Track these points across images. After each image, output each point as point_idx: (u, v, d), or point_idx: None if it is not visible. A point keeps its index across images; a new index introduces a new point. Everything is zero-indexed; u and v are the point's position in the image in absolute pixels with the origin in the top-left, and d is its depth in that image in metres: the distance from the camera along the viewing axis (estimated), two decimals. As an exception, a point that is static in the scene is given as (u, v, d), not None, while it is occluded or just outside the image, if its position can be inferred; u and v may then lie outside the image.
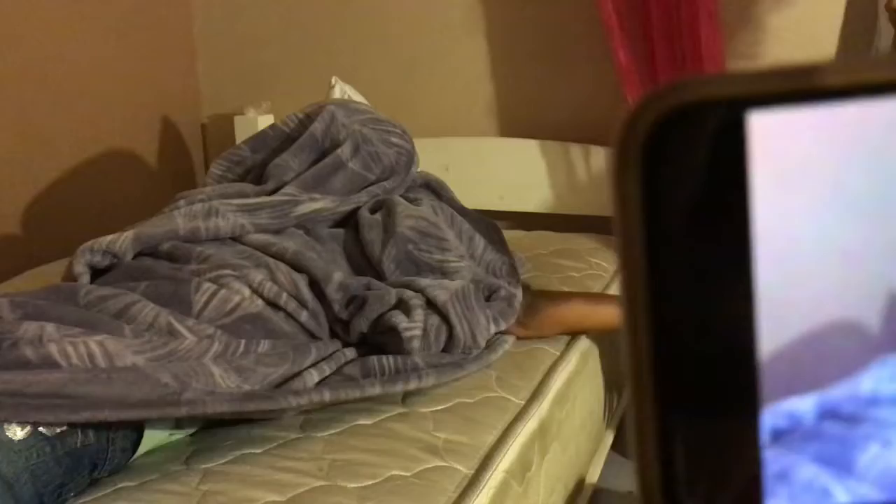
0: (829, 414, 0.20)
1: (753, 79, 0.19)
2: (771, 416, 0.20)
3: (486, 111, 2.29)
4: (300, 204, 1.40)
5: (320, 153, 1.51)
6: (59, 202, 2.15)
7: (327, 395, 1.10)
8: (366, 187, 1.50)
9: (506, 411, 1.21)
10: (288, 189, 1.42)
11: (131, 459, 1.06)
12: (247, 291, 1.23)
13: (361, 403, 1.18)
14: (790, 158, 0.19)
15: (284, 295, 1.25)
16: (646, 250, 0.19)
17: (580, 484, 1.50)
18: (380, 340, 1.28)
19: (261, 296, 1.24)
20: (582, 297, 1.53)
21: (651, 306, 0.20)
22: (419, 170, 1.64)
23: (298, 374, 1.17)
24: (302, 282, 1.27)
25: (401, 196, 1.50)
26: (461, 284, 1.33)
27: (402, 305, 1.26)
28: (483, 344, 1.33)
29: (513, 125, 2.28)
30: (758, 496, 0.20)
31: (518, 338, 1.41)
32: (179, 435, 1.12)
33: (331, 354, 1.26)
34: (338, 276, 1.29)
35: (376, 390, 1.15)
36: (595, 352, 1.57)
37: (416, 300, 1.27)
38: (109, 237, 1.29)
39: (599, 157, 2.13)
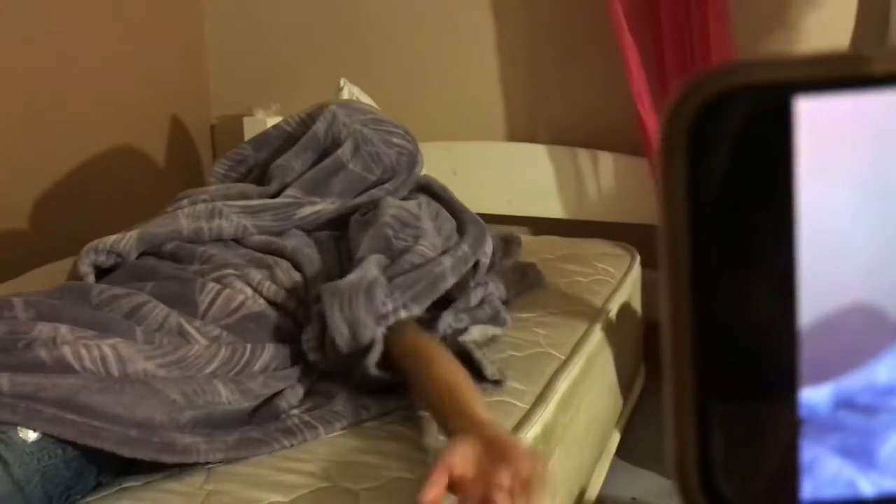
0: (844, 404, 0.20)
1: (801, 64, 0.19)
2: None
3: (495, 115, 2.30)
4: (302, 207, 1.41)
5: (322, 153, 1.51)
6: (68, 200, 2.16)
7: (322, 431, 1.10)
8: (367, 189, 1.50)
9: (510, 415, 1.21)
10: (290, 191, 1.43)
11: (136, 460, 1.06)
12: (248, 290, 1.24)
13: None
14: (834, 143, 0.19)
15: (283, 293, 1.25)
16: (689, 231, 0.20)
17: (584, 489, 1.50)
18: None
19: (261, 294, 1.24)
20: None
21: (693, 287, 0.20)
22: (424, 173, 1.64)
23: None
24: (301, 280, 1.28)
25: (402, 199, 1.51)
26: (358, 278, 1.20)
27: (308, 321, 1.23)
28: (367, 340, 1.15)
29: (521, 130, 2.28)
30: (794, 480, 0.20)
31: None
32: None
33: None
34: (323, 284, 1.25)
35: (372, 413, 1.13)
36: (600, 357, 1.57)
37: (315, 307, 1.21)
38: (114, 237, 1.29)
39: (607, 163, 2.13)
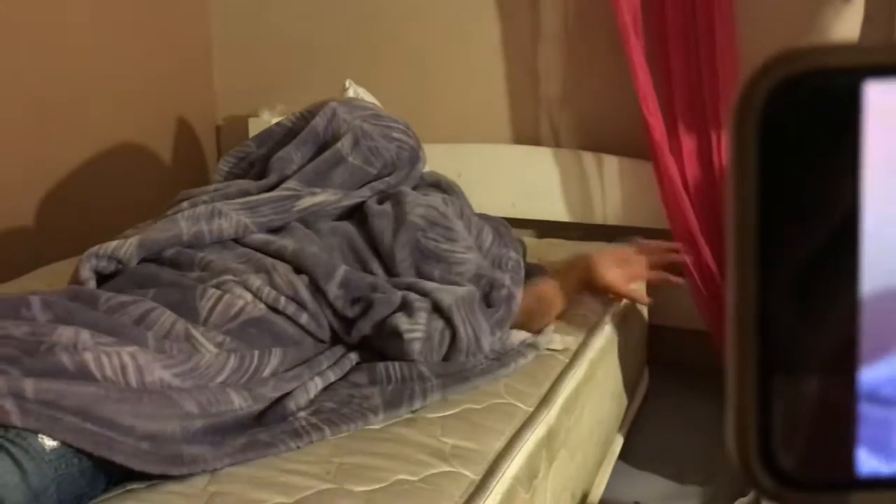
0: (868, 397, 0.21)
1: (872, 50, 0.20)
2: None
3: (500, 118, 2.30)
4: (301, 198, 1.41)
5: (321, 146, 1.51)
6: (73, 201, 2.16)
7: (328, 433, 1.10)
8: (368, 182, 1.50)
9: (514, 417, 1.21)
10: (289, 183, 1.43)
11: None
12: (248, 296, 1.24)
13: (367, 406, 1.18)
14: None
15: (283, 299, 1.25)
16: (758, 208, 0.20)
17: (587, 492, 1.50)
18: (382, 344, 1.27)
19: (261, 300, 1.25)
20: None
21: (760, 265, 0.21)
22: (431, 171, 1.64)
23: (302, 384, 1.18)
24: (300, 283, 1.27)
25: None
26: (467, 290, 1.33)
27: (406, 308, 1.27)
28: (487, 349, 1.32)
29: (526, 132, 2.28)
30: (851, 453, 0.21)
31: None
32: None
33: (337, 359, 1.26)
34: (341, 270, 1.29)
35: (379, 418, 1.15)
36: (604, 361, 1.57)
37: (419, 303, 1.27)
38: (115, 243, 1.29)
39: (612, 166, 2.13)
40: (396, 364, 1.25)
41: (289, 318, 1.25)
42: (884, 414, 0.21)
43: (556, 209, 2.19)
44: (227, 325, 1.20)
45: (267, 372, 1.17)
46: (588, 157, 2.15)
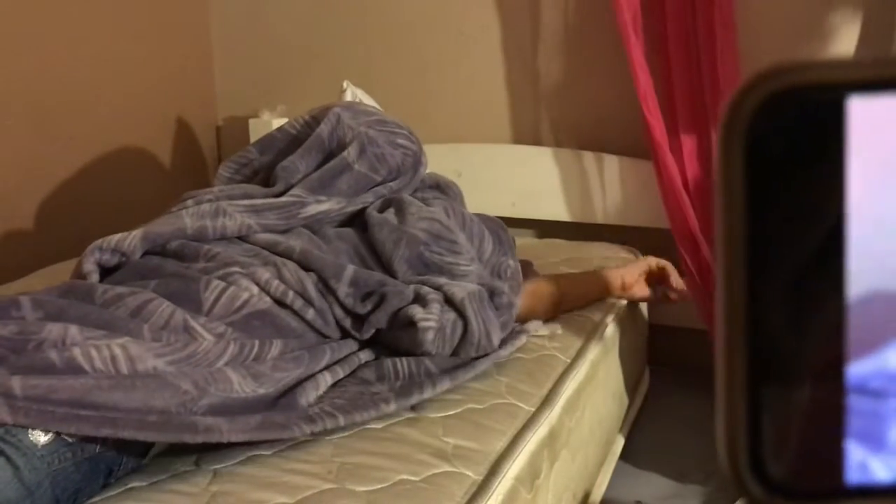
0: (857, 389, 0.21)
1: (855, 66, 0.21)
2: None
3: (499, 117, 2.30)
4: (307, 205, 1.41)
5: (327, 155, 1.51)
6: (74, 201, 2.16)
7: (342, 420, 1.11)
8: (372, 188, 1.50)
9: (516, 418, 1.21)
10: (295, 191, 1.43)
11: (143, 461, 1.06)
12: (255, 289, 1.24)
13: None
14: (884, 142, 0.21)
15: (291, 293, 1.25)
16: (746, 225, 0.21)
17: (588, 492, 1.50)
18: (394, 336, 1.29)
19: (268, 293, 1.25)
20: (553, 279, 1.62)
21: (748, 274, 0.21)
22: (430, 171, 1.64)
23: (311, 376, 1.18)
24: (308, 280, 1.28)
25: (410, 196, 1.51)
26: (477, 287, 1.34)
27: (420, 300, 1.28)
28: (497, 343, 1.34)
29: (526, 132, 2.28)
30: (839, 461, 0.21)
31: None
32: None
33: (345, 357, 1.26)
34: (350, 270, 1.30)
35: (391, 407, 1.16)
36: (605, 361, 1.57)
37: (433, 295, 1.28)
38: (118, 236, 1.29)
39: (613, 166, 2.13)
40: (404, 360, 1.25)
41: (295, 312, 1.25)
42: (873, 406, 0.21)
43: (556, 209, 2.19)
44: (230, 317, 1.20)
45: (268, 360, 1.17)
46: (588, 157, 2.15)
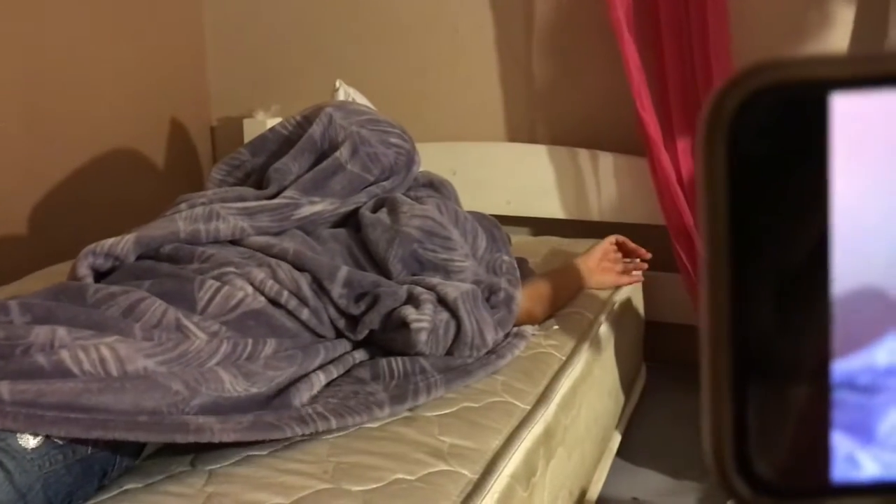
0: (844, 385, 0.21)
1: (838, 62, 0.21)
2: None
3: (494, 116, 2.30)
4: (300, 207, 1.40)
5: (319, 155, 1.51)
6: (68, 203, 2.16)
7: (334, 423, 1.10)
8: (365, 188, 1.50)
9: (511, 416, 1.21)
10: (288, 193, 1.43)
11: (137, 461, 1.06)
12: (249, 288, 1.23)
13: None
14: (867, 138, 0.21)
15: (285, 293, 1.25)
16: (729, 223, 0.21)
17: (585, 489, 1.50)
18: (388, 337, 1.28)
19: (262, 293, 1.24)
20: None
21: (732, 273, 0.21)
22: (423, 170, 1.64)
23: (305, 376, 1.18)
24: (303, 280, 1.28)
25: (403, 195, 1.51)
26: (471, 287, 1.34)
27: (413, 300, 1.27)
28: (490, 343, 1.34)
29: (521, 130, 2.28)
30: (825, 459, 0.21)
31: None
32: None
33: (340, 356, 1.26)
34: (343, 271, 1.30)
35: (384, 412, 1.15)
36: (601, 358, 1.57)
37: (426, 295, 1.28)
38: (111, 240, 1.29)
39: (607, 163, 2.13)
40: (398, 359, 1.25)
41: (289, 312, 1.25)
42: (861, 400, 0.21)
43: (551, 206, 2.19)
44: (224, 317, 1.19)
45: (260, 360, 1.17)
46: (583, 154, 2.15)
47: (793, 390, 0.21)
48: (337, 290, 1.28)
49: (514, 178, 2.21)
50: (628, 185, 2.10)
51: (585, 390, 1.45)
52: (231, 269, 1.25)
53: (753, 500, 0.21)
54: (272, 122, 2.27)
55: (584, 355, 1.47)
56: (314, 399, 1.16)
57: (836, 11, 1.88)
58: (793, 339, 0.21)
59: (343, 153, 1.47)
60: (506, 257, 1.51)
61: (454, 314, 1.29)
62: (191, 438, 0.99)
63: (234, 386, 1.08)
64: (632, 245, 1.71)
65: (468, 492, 1.02)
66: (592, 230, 2.12)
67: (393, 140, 1.55)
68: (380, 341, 1.30)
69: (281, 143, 1.55)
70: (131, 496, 0.98)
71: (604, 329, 1.60)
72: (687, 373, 1.90)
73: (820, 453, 0.21)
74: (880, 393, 0.21)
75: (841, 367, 0.21)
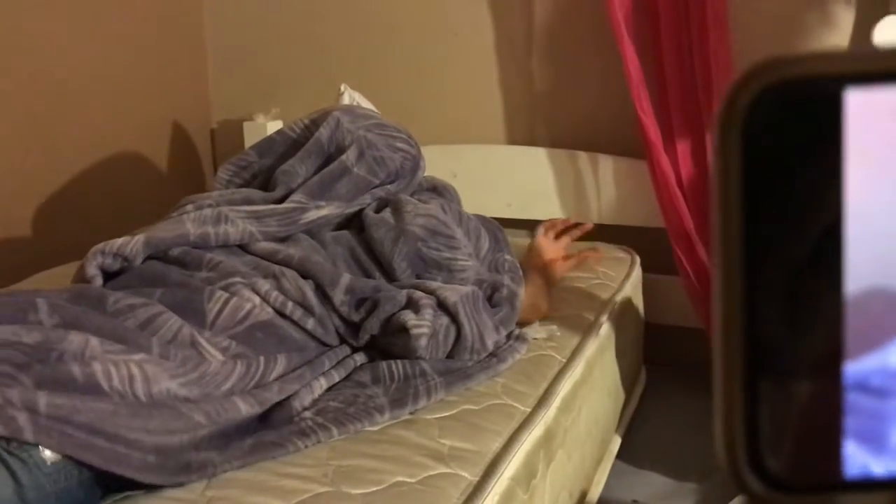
0: (857, 387, 0.21)
1: (852, 58, 0.21)
2: None
3: (494, 118, 2.30)
4: (307, 211, 1.41)
5: (326, 158, 1.51)
6: (68, 206, 2.16)
7: (335, 432, 1.11)
8: (370, 190, 1.51)
9: (511, 418, 1.21)
10: (295, 196, 1.43)
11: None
12: (257, 299, 1.24)
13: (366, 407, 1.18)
14: (881, 135, 0.21)
15: (290, 304, 1.25)
16: (743, 220, 0.21)
17: (585, 492, 1.50)
18: (388, 341, 1.29)
19: (268, 304, 1.25)
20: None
21: (745, 270, 0.21)
22: (427, 175, 1.65)
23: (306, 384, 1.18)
24: (308, 288, 1.28)
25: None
26: (471, 289, 1.34)
27: (412, 305, 1.28)
28: (491, 346, 1.34)
29: (521, 133, 2.28)
30: (838, 455, 0.21)
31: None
32: None
33: (341, 360, 1.27)
34: (346, 278, 1.30)
35: (384, 417, 1.16)
36: (601, 360, 1.57)
37: (426, 300, 1.28)
38: (121, 240, 1.29)
39: (607, 165, 2.13)
40: (399, 362, 1.26)
41: (295, 323, 1.25)
42: (873, 404, 0.21)
43: (551, 209, 2.19)
44: (233, 329, 1.20)
45: (272, 377, 1.17)
46: (583, 157, 2.15)
47: (805, 389, 0.21)
48: (339, 297, 1.28)
49: (514, 181, 2.21)
50: (628, 188, 2.11)
51: (586, 392, 1.45)
52: (238, 279, 1.26)
53: (766, 494, 0.21)
54: (272, 125, 2.28)
55: (584, 357, 1.47)
56: (314, 402, 1.17)
57: (836, 12, 1.88)
58: (805, 337, 0.21)
59: (350, 156, 1.48)
60: (508, 257, 1.52)
61: (454, 318, 1.29)
62: (194, 478, 1.00)
63: (249, 414, 1.10)
64: (560, 225, 1.80)
65: (468, 494, 1.03)
66: (592, 233, 2.12)
67: (399, 144, 1.56)
68: (380, 346, 1.31)
69: (288, 145, 1.55)
70: (132, 501, 0.99)
71: (604, 331, 1.60)
72: (687, 375, 1.90)
73: (833, 449, 0.21)
74: (893, 396, 0.21)
75: (853, 368, 0.21)
